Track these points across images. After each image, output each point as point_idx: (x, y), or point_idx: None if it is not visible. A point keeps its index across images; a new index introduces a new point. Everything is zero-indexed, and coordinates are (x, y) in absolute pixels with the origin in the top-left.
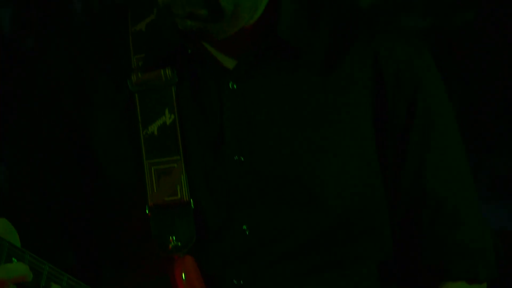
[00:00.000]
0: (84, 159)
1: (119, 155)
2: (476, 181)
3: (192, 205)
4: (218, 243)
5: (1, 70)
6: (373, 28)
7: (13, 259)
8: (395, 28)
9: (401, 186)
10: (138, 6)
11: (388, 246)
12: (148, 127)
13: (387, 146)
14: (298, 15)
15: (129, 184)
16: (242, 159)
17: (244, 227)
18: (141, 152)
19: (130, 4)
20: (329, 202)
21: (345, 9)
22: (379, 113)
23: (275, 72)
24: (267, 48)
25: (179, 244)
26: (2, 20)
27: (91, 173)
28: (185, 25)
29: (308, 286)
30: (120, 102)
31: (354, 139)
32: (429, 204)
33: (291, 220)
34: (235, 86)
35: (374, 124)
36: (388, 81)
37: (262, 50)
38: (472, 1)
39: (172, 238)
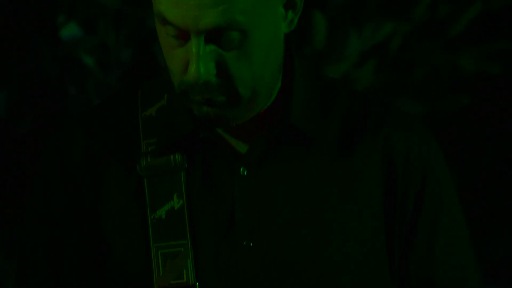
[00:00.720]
0: (94, 241)
1: (127, 238)
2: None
3: None
4: None
5: None
6: (384, 117)
7: None
8: (405, 117)
9: (408, 273)
10: (149, 91)
11: None
12: (156, 211)
13: (395, 233)
14: (310, 103)
15: (135, 266)
16: (251, 244)
17: None
18: (149, 236)
19: (141, 89)
20: None
21: (356, 97)
22: (388, 200)
23: (287, 159)
24: (279, 134)
25: None
26: None
27: (99, 255)
28: (201, 111)
29: None
30: (129, 186)
31: (364, 227)
32: None
33: None
34: (245, 172)
35: (383, 211)
36: (398, 169)
37: (274, 136)
38: (467, 85)
39: None
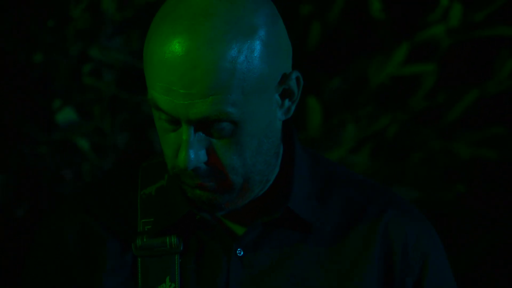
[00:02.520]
0: None
1: None
2: None
3: None
4: None
5: None
6: (383, 205)
7: None
8: (404, 205)
9: None
10: (149, 171)
11: None
12: None
13: None
14: (310, 189)
15: None
16: None
17: None
18: None
19: (142, 168)
20: None
21: (357, 185)
22: (386, 287)
23: (284, 243)
24: (277, 218)
25: None
26: None
27: None
28: (194, 194)
29: None
30: (124, 265)
31: None
32: None
33: None
34: (242, 253)
35: None
36: (397, 257)
37: (272, 220)
38: (464, 173)
39: None
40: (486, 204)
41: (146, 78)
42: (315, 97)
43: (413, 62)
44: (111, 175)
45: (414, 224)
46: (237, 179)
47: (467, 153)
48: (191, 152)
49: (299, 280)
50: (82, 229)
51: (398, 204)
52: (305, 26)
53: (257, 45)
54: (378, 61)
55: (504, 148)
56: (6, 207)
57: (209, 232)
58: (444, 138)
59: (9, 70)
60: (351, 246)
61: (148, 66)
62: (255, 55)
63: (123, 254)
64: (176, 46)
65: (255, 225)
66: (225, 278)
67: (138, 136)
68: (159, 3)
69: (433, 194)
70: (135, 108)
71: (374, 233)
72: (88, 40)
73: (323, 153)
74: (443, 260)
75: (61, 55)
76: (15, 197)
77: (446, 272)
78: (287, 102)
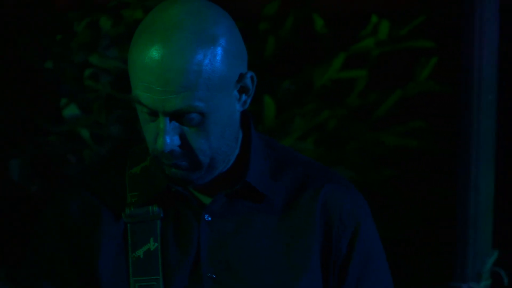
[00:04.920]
0: (90, 276)
1: (113, 273)
2: None
3: None
4: None
5: (11, 211)
6: (323, 181)
7: None
8: (341, 180)
9: None
10: (135, 154)
11: None
12: (136, 252)
13: (330, 277)
14: (264, 167)
15: None
16: (214, 276)
17: None
18: (129, 271)
19: (129, 152)
20: None
21: (301, 164)
22: (325, 250)
23: (243, 211)
24: (238, 189)
25: None
26: (12, 169)
27: (93, 285)
28: (170, 172)
29: None
30: (117, 231)
31: (305, 270)
32: None
33: None
34: (210, 218)
35: (321, 259)
36: (334, 224)
37: (233, 191)
38: (392, 159)
39: None
40: (409, 184)
41: (130, 79)
42: (270, 96)
43: (348, 68)
44: (105, 159)
45: (349, 196)
46: (205, 159)
47: (393, 142)
48: (167, 138)
49: (255, 243)
50: (82, 202)
51: (336, 180)
52: (262, 39)
53: (219, 51)
54: (321, 68)
55: (423, 139)
56: (23, 185)
57: (183, 202)
58: (374, 130)
59: (26, 75)
60: (297, 216)
61: (131, 70)
62: (217, 58)
63: (116, 221)
64: (154, 53)
65: (219, 195)
66: (197, 238)
67: (128, 128)
68: None
69: (366, 176)
70: (127, 105)
71: (315, 204)
72: (89, 50)
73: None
74: (372, 227)
75: (67, 62)
76: (30, 177)
77: (375, 236)
78: (243, 97)
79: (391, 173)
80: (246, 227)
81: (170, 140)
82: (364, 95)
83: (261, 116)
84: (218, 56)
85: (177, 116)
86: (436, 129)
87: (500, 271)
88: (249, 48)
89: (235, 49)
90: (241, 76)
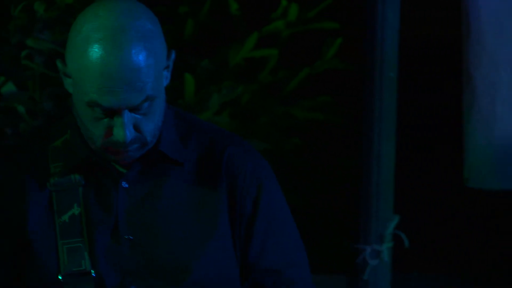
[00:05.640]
0: (21, 241)
1: (42, 237)
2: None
3: (93, 274)
4: None
5: None
6: (226, 144)
7: None
8: (243, 144)
9: (249, 261)
10: (56, 129)
11: None
12: (62, 217)
13: (238, 232)
14: (175, 136)
15: (48, 257)
16: (132, 238)
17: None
18: (57, 235)
19: (51, 127)
20: (194, 275)
21: (208, 132)
22: (232, 207)
23: (157, 177)
24: (151, 159)
25: None
26: None
27: (24, 251)
28: (120, 158)
29: None
30: (43, 199)
31: (215, 228)
32: (271, 274)
33: (167, 285)
34: (127, 185)
35: (229, 216)
36: (238, 183)
37: (148, 160)
38: (299, 131)
39: None
40: (316, 154)
41: (80, 87)
42: (190, 74)
43: (261, 48)
44: (28, 135)
45: (250, 158)
46: (152, 139)
47: (302, 115)
48: (127, 130)
49: (169, 205)
50: (7, 174)
51: (238, 143)
52: (182, 22)
53: (157, 43)
54: (235, 47)
55: (329, 112)
56: None
57: (103, 171)
58: (285, 104)
59: None
60: (205, 177)
61: (83, 77)
62: (156, 50)
63: (41, 190)
64: (111, 59)
65: (135, 164)
66: (115, 203)
67: (60, 104)
68: (76, 5)
69: (278, 145)
70: (59, 83)
71: (220, 166)
72: (25, 33)
73: (196, 115)
74: (276, 187)
75: (5, 44)
76: None
77: (278, 195)
78: (166, 73)
79: (300, 143)
80: (159, 191)
81: (129, 131)
82: (275, 72)
83: (182, 92)
84: (157, 47)
85: (133, 108)
86: (341, 104)
87: (401, 234)
88: (170, 30)
89: (162, 35)
90: (167, 57)
